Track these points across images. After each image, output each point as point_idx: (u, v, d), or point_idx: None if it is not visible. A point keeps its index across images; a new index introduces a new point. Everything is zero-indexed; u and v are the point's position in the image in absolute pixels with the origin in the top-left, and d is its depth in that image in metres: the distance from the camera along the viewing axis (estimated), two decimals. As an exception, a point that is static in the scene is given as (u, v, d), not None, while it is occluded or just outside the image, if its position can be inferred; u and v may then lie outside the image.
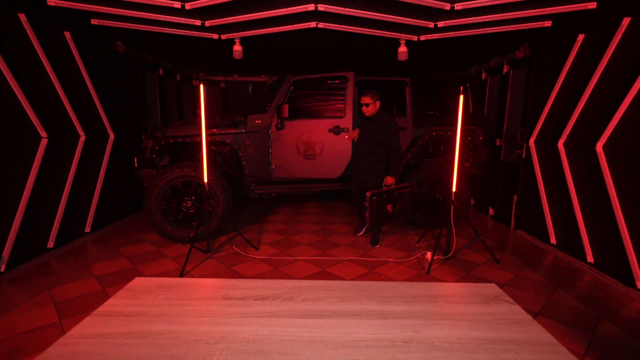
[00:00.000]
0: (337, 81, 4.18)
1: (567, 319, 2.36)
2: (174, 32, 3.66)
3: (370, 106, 3.37)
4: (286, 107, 3.87)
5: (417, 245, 3.71)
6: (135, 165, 4.00)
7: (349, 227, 4.34)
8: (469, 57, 4.99)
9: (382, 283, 1.09)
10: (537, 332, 0.83)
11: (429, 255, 3.26)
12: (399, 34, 3.68)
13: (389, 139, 3.39)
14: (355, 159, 3.81)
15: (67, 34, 3.45)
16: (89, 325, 0.85)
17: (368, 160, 3.50)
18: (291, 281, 1.19)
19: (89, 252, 3.47)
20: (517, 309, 0.94)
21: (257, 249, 3.59)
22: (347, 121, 4.14)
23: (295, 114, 4.04)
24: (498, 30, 3.43)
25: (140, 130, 4.80)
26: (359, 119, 3.70)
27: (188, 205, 3.79)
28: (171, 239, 3.70)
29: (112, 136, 4.11)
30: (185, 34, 3.72)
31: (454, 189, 3.30)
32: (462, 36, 3.65)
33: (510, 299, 0.99)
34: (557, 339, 0.81)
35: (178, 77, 5.88)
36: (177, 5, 2.86)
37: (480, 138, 4.54)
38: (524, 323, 0.87)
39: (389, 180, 3.39)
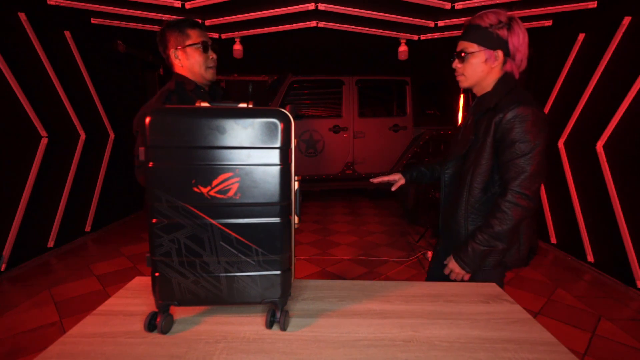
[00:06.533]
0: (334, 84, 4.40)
1: (567, 318, 2.36)
2: (174, 32, 3.66)
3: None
4: (287, 108, 3.96)
5: (417, 245, 3.71)
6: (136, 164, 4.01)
7: (349, 227, 4.34)
8: (469, 56, 4.98)
9: (383, 282, 1.09)
10: (537, 332, 0.83)
11: (429, 254, 3.26)
12: (399, 33, 3.67)
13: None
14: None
15: (67, 33, 3.45)
16: (89, 325, 0.85)
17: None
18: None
19: (89, 252, 3.47)
20: (517, 308, 0.94)
21: (257, 249, 3.60)
22: (345, 121, 4.31)
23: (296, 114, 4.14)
24: (498, 30, 3.43)
25: (141, 129, 4.81)
26: None
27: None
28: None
29: (112, 135, 4.11)
30: (186, 33, 3.72)
31: (454, 189, 3.30)
32: (462, 35, 3.65)
33: (510, 298, 0.99)
34: (557, 339, 0.81)
35: (178, 77, 5.87)
36: (178, 4, 2.86)
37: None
38: (524, 322, 0.87)
39: None
